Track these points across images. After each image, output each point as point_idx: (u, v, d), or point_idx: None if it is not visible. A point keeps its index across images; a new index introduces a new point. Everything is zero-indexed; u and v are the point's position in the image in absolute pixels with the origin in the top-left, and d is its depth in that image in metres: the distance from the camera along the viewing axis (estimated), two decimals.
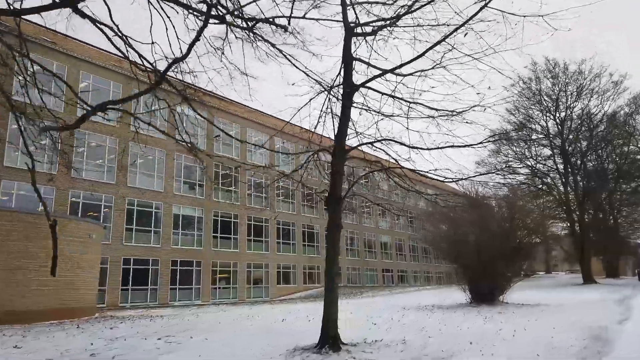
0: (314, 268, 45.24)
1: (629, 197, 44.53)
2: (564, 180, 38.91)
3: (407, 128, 9.63)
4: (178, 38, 6.91)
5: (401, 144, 8.92)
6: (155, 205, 32.84)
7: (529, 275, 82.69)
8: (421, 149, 8.82)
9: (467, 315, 15.03)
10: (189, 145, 8.57)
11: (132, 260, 30.56)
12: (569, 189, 39.02)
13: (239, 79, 7.79)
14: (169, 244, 33.14)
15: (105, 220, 30.05)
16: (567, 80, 37.79)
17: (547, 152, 41.15)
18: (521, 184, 40.53)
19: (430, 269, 61.26)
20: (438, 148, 8.75)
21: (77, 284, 16.71)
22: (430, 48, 9.24)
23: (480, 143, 8.46)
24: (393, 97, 9.69)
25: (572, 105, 38.29)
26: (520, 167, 40.84)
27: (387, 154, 9.21)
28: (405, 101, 9.62)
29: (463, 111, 9.09)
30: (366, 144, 9.23)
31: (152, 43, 7.34)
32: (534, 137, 40.40)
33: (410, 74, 9.79)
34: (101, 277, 28.56)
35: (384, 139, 9.04)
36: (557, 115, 39.06)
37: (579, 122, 38.42)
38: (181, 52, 6.49)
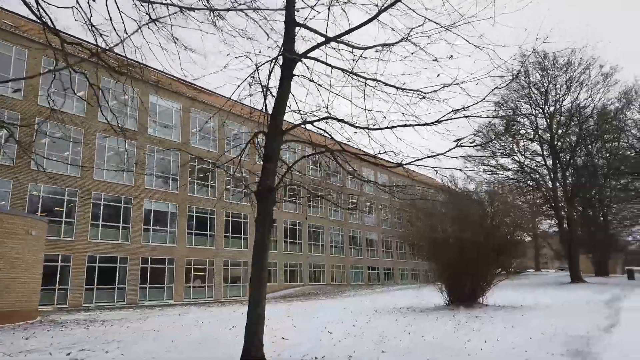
0: (295, 266, 43.82)
1: (619, 194, 43.44)
2: (552, 176, 37.68)
3: (365, 109, 8.19)
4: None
5: (346, 122, 7.45)
6: (124, 199, 31.20)
7: (519, 273, 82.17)
8: (369, 129, 7.36)
9: (440, 321, 13.64)
10: (118, 127, 7.34)
11: (97, 257, 28.93)
12: (557, 185, 37.80)
13: (184, 57, 6.38)
14: (139, 241, 31.52)
15: (69, 216, 28.41)
16: (556, 73, 36.54)
17: (536, 147, 39.97)
18: (509, 179, 39.29)
19: (417, 266, 60.11)
20: (388, 128, 7.29)
21: (12, 286, 15.13)
22: (384, 10, 7.79)
23: (438, 121, 6.99)
24: (344, 70, 8.22)
25: (561, 98, 37.05)
26: (501, 158, 39.47)
27: (332, 137, 7.75)
28: (360, 77, 8.16)
29: (433, 91, 7.66)
30: (306, 123, 7.74)
31: (73, 7, 5.93)
32: (522, 131, 39.16)
33: (370, 47, 8.35)
34: (63, 276, 26.97)
35: (327, 118, 7.57)
36: (547, 109, 37.80)
37: (569, 116, 37.16)
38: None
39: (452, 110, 7.04)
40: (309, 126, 8.33)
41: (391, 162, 7.62)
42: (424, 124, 6.99)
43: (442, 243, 17.14)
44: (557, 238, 46.52)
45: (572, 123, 37.61)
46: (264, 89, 7.70)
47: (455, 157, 7.89)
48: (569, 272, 37.92)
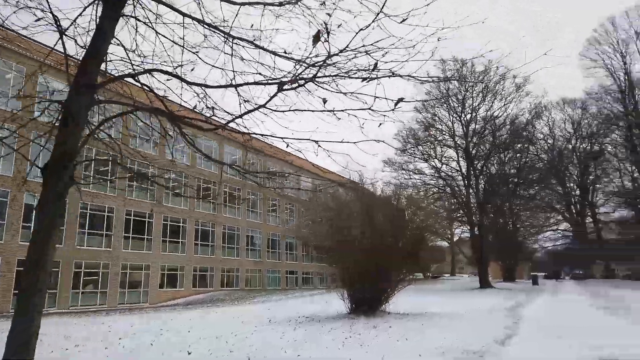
0: (206, 270, 40.95)
1: (527, 203, 45.42)
2: (466, 182, 38.37)
3: (234, 72, 6.29)
4: None
5: (177, 77, 5.54)
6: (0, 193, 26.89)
7: (435, 278, 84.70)
8: (206, 86, 5.51)
9: (332, 333, 12.09)
10: None
11: None
12: (471, 191, 38.55)
13: None
14: (16, 240, 27.31)
15: None
16: (474, 81, 37.23)
17: (452, 153, 40.63)
18: (426, 184, 39.54)
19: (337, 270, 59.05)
20: (237, 86, 5.48)
21: None
22: None
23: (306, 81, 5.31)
24: (196, 20, 6.28)
25: (477, 107, 37.88)
26: (419, 162, 39.62)
27: (152, 91, 5.79)
28: (220, 31, 6.26)
29: (323, 62, 5.94)
30: (123, 77, 5.68)
31: None
32: (440, 137, 39.63)
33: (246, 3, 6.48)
34: None
35: (153, 70, 5.60)
36: (463, 116, 38.51)
37: (483, 124, 38.10)
38: None
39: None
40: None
41: (244, 132, 5.80)
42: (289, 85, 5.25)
43: (345, 245, 15.71)
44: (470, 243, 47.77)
45: (486, 131, 38.57)
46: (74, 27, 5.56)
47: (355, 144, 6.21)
48: (479, 277, 38.71)
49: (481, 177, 40.38)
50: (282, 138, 5.38)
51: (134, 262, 34.21)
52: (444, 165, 39.69)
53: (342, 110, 5.72)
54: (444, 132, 39.29)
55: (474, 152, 38.91)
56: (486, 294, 29.36)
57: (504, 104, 36.94)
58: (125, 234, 33.88)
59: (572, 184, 61.82)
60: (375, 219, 15.68)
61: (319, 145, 5.39)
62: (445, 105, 38.54)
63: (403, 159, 39.04)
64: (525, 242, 62.43)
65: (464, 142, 38.79)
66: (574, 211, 60.45)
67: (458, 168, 39.32)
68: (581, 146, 59.98)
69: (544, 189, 50.84)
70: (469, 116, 38.54)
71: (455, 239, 71.73)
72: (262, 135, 5.61)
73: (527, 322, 14.46)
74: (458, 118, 38.60)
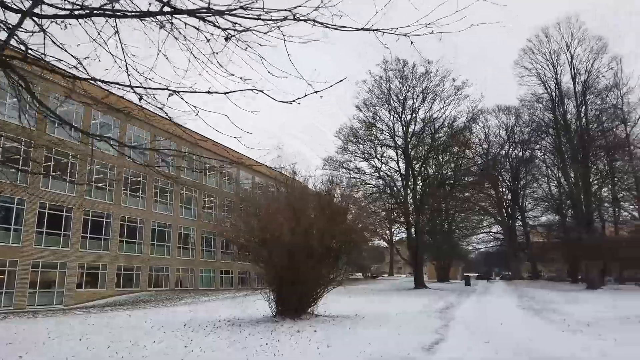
0: (132, 269, 38.21)
1: (462, 205, 46.41)
2: (404, 183, 38.45)
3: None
4: None
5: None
6: None
7: (374, 278, 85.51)
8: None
9: (249, 339, 10.89)
10: None
11: None
12: (408, 191, 38.66)
13: None
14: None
15: None
16: (414, 83, 37.44)
17: (392, 153, 40.65)
18: (366, 183, 39.24)
19: (262, 270, 57.49)
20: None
21: None
22: None
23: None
24: None
25: (417, 108, 38.07)
26: (359, 162, 39.28)
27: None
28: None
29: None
30: None
31: None
32: (381, 137, 39.48)
33: None
34: None
35: None
36: (404, 117, 38.57)
37: (422, 126, 38.36)
38: None
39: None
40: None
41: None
42: None
43: (271, 243, 14.51)
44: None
45: (425, 133, 38.87)
46: None
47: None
48: (414, 278, 38.91)
49: (419, 178, 40.69)
50: (130, 87, 4.09)
51: (47, 259, 31.06)
52: (384, 165, 39.58)
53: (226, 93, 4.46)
54: (384, 132, 39.21)
55: (412, 153, 39.08)
56: (420, 295, 29.29)
57: (443, 106, 37.38)
58: (38, 229, 30.65)
59: (504, 189, 64.30)
60: (305, 214, 14.63)
61: (176, 94, 4.15)
62: (386, 105, 38.43)
63: (344, 158, 38.57)
64: (459, 244, 64.24)
65: (404, 142, 38.84)
66: (505, 215, 62.85)
67: (397, 168, 39.33)
68: (514, 152, 62.49)
69: (478, 192, 52.40)
70: (409, 117, 38.69)
71: (395, 240, 72.79)
72: (92, 79, 4.26)
73: (456, 324, 14.00)
74: (398, 118, 38.65)
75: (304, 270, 14.41)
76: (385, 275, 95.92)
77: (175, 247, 43.30)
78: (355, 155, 38.62)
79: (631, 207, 48.45)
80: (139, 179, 39.19)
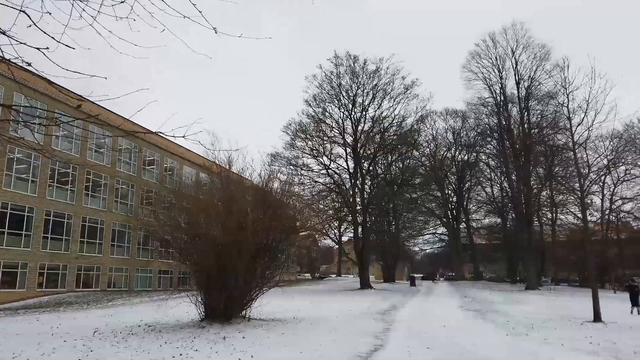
0: (57, 268, 35.01)
1: (408, 205, 46.41)
2: (352, 181, 37.73)
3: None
4: None
5: None
6: None
7: (322, 278, 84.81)
8: None
9: (159, 351, 9.38)
10: None
11: None
12: (356, 190, 37.97)
13: None
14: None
15: None
16: (365, 80, 36.79)
17: (341, 150, 39.85)
18: (314, 181, 38.12)
19: (190, 269, 55.13)
20: None
21: None
22: None
23: None
24: None
25: (367, 105, 37.43)
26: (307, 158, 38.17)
27: None
28: None
29: None
30: None
31: None
32: (330, 134, 38.55)
33: None
34: None
35: None
36: (354, 114, 37.83)
37: (372, 124, 37.77)
38: None
39: None
40: None
41: None
42: None
43: (199, 240, 13.02)
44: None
45: (375, 130, 38.34)
46: None
47: None
48: (359, 278, 38.29)
49: (367, 176, 40.16)
50: None
51: None
52: (332, 163, 38.68)
53: None
54: (334, 129, 38.28)
55: (361, 151, 38.45)
56: (364, 295, 28.56)
57: (392, 104, 36.94)
58: None
59: (449, 191, 65.46)
60: (238, 208, 13.23)
61: None
62: (336, 101, 37.53)
63: (292, 154, 37.30)
64: (406, 244, 64.71)
65: (353, 140, 38.14)
66: (450, 217, 63.98)
67: (346, 166, 38.53)
68: (460, 155, 63.77)
69: (426, 195, 52.81)
70: (359, 114, 38.00)
71: (345, 240, 72.31)
72: None
73: (398, 328, 13.13)
74: (348, 115, 37.88)
75: (235, 270, 13.04)
76: (334, 275, 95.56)
77: (109, 245, 40.28)
78: (304, 152, 37.50)
79: (567, 211, 50.45)
80: (68, 170, 36.08)
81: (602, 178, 46.06)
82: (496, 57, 44.35)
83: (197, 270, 13.46)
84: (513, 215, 56.87)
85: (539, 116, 43.42)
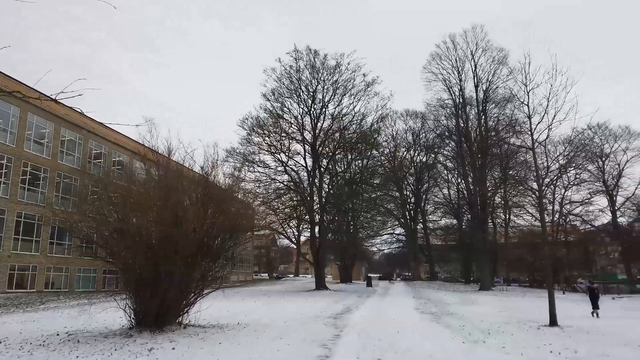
0: None
1: (367, 205, 45.87)
2: (310, 180, 36.66)
3: None
4: None
5: None
6: None
7: (279, 278, 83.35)
8: None
9: None
10: None
11: None
12: (314, 189, 36.93)
13: None
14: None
15: None
16: (325, 75, 35.80)
17: (300, 148, 38.70)
18: (270, 178, 36.72)
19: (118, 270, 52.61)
20: None
21: None
22: None
23: None
24: None
25: (327, 102, 36.47)
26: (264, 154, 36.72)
27: None
28: None
29: None
30: None
31: None
32: (289, 130, 37.31)
33: None
34: None
35: None
36: (313, 110, 36.77)
37: (331, 121, 36.85)
38: None
39: None
40: None
41: None
42: None
43: (128, 236, 11.52)
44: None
45: (334, 127, 37.45)
46: None
47: None
48: (315, 278, 37.33)
49: (326, 174, 39.24)
50: None
51: None
52: (290, 160, 37.45)
53: None
54: (292, 125, 37.08)
55: (320, 149, 37.45)
56: (319, 297, 27.56)
57: (353, 102, 36.14)
58: None
59: (408, 192, 65.73)
60: (175, 200, 11.84)
61: None
62: (295, 96, 36.32)
63: (248, 150, 35.77)
64: (364, 245, 64.39)
65: (312, 137, 37.09)
66: (408, 217, 64.22)
67: (304, 164, 37.41)
68: (418, 157, 64.15)
69: (385, 195, 52.53)
70: (318, 111, 36.97)
71: (304, 239, 71.06)
72: None
73: (349, 334, 12.14)
74: (308, 111, 36.78)
75: (170, 270, 11.66)
76: (292, 275, 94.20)
77: (47, 243, 37.38)
78: (261, 148, 36.05)
79: (521, 212, 51.50)
80: (2, 162, 33.09)
81: (554, 181, 47.36)
82: (456, 59, 44.59)
83: (125, 270, 11.95)
84: (469, 216, 57.85)
85: (496, 119, 43.97)
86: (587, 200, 52.98)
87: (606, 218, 54.67)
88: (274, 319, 15.33)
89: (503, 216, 55.51)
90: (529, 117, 15.55)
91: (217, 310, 18.11)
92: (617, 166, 52.08)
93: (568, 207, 53.56)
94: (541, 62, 15.44)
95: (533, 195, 40.73)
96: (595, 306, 18.12)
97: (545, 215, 51.65)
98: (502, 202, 50.53)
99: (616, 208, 52.76)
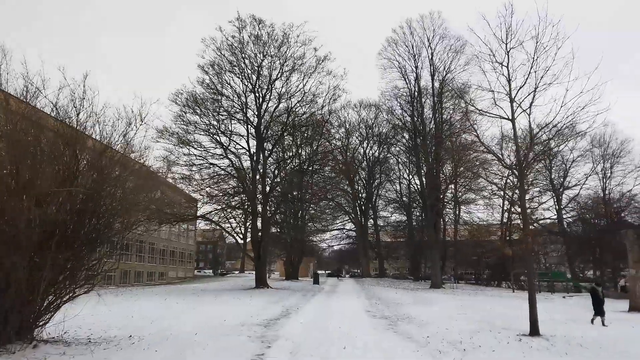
0: None
1: (317, 197, 42.74)
2: (253, 166, 32.90)
3: None
4: None
5: None
6: None
7: (224, 275, 78.68)
8: None
9: None
10: None
11: None
12: (257, 177, 33.20)
13: None
14: None
15: None
16: (272, 49, 32.07)
17: (242, 129, 34.82)
18: (210, 164, 32.53)
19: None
20: None
21: None
22: None
23: None
24: None
25: (274, 79, 32.74)
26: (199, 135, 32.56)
27: None
28: None
29: None
30: None
31: None
32: (231, 110, 33.29)
33: None
34: None
35: None
36: (258, 88, 32.96)
37: (278, 100, 33.19)
38: None
39: None
40: None
41: None
42: None
43: None
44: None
45: (281, 108, 33.89)
46: None
47: None
48: (255, 275, 33.71)
49: (271, 160, 35.63)
50: None
51: None
52: (232, 143, 33.41)
53: None
54: (234, 103, 33.07)
55: (265, 131, 33.74)
56: (256, 296, 24.02)
57: (303, 79, 32.62)
58: None
59: (359, 187, 63.45)
60: (26, 165, 7.99)
61: None
62: (237, 70, 32.32)
63: (181, 128, 31.41)
64: (312, 240, 61.43)
65: (256, 117, 33.28)
66: (359, 212, 61.91)
67: (247, 148, 33.51)
68: (371, 151, 61.93)
69: (336, 188, 49.64)
70: (264, 90, 33.20)
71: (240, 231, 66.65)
72: None
73: (279, 352, 8.79)
74: (252, 89, 32.90)
75: (17, 267, 7.82)
76: (236, 272, 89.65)
77: None
78: (197, 127, 31.78)
79: (471, 208, 50.28)
80: None
81: (504, 181, 46.36)
82: (413, 46, 42.24)
83: None
84: (419, 212, 56.42)
85: (451, 110, 42.08)
86: (535, 199, 52.62)
87: (553, 217, 54.66)
88: (184, 329, 11.69)
89: (453, 213, 54.22)
90: (509, 80, 12.83)
91: (116, 315, 14.23)
92: (563, 165, 52.06)
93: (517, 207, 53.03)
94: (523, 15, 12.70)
95: (487, 191, 39.12)
96: (598, 312, 15.15)
97: (496, 215, 51.13)
98: (453, 198, 49.10)
99: (562, 207, 52.78)
